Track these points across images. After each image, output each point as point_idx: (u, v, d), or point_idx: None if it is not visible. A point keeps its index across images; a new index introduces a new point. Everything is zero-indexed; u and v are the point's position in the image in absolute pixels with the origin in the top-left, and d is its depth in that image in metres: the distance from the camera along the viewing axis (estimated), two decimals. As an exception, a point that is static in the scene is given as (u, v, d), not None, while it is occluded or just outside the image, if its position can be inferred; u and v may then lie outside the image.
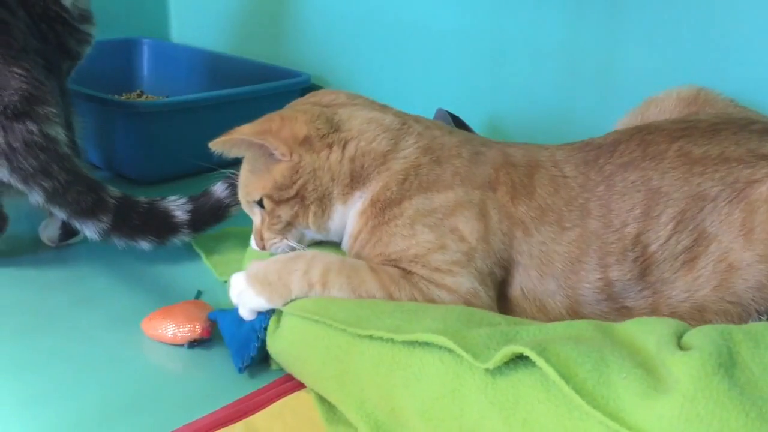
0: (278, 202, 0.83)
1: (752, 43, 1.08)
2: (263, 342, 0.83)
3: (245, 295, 0.81)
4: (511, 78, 1.38)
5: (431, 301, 0.78)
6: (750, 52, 1.09)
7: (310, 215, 0.84)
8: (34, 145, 0.96)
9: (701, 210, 0.76)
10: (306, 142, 0.82)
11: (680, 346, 0.60)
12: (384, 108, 0.89)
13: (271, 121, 0.84)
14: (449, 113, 1.25)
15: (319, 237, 0.87)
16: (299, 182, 0.82)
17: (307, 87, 1.61)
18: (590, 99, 1.28)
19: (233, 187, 1.07)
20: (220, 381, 0.83)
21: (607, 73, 1.25)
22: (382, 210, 0.82)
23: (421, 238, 0.79)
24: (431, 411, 0.66)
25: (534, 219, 0.80)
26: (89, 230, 1.01)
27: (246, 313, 0.82)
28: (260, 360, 0.85)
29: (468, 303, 0.78)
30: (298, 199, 0.83)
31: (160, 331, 0.89)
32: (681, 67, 1.16)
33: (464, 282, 0.78)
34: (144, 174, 1.44)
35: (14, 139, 0.95)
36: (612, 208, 0.79)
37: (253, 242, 0.90)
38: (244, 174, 0.88)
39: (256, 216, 0.88)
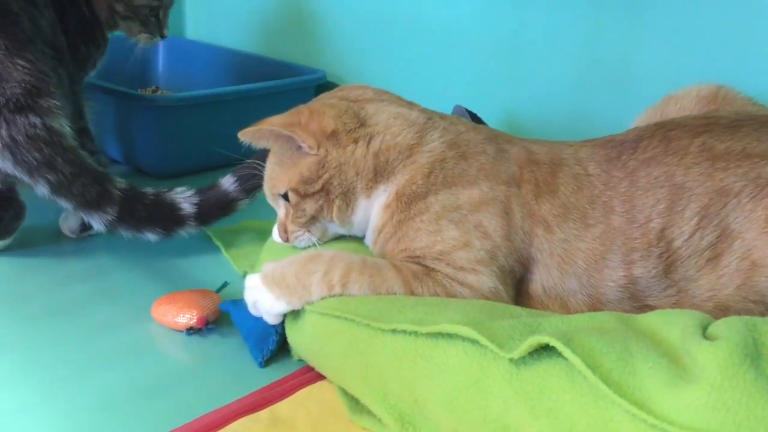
0: (303, 196, 0.84)
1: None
2: (282, 335, 0.84)
3: (264, 301, 0.80)
4: (528, 75, 1.39)
5: (453, 297, 0.79)
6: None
7: (335, 209, 0.84)
8: (37, 138, 0.96)
9: (725, 206, 0.76)
10: (333, 136, 0.83)
11: (706, 337, 0.60)
12: (410, 104, 0.90)
13: (299, 113, 0.84)
14: (467, 110, 1.26)
15: (342, 231, 0.88)
16: (325, 176, 0.83)
17: (322, 84, 1.62)
18: (608, 96, 1.28)
19: (241, 180, 1.08)
20: (242, 370, 0.84)
21: (625, 70, 1.25)
22: (407, 204, 0.82)
23: (447, 235, 0.80)
24: (456, 402, 0.66)
25: (557, 217, 0.81)
26: (96, 222, 1.01)
27: (270, 318, 0.81)
28: (279, 350, 0.86)
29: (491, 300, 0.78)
30: (323, 193, 0.83)
31: (162, 316, 0.92)
32: (700, 64, 1.16)
33: (487, 281, 0.79)
34: (162, 168, 1.45)
35: (17, 132, 0.95)
36: (636, 204, 0.79)
37: (275, 234, 0.91)
38: (270, 167, 0.88)
39: (281, 209, 0.88)
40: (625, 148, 0.83)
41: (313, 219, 0.85)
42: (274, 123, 0.83)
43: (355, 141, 0.83)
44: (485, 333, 0.65)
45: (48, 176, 0.97)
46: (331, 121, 0.83)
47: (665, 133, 0.82)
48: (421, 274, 0.79)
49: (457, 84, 1.49)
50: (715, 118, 0.83)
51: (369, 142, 0.84)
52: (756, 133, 0.79)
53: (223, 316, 0.93)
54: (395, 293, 0.78)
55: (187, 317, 0.90)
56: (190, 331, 0.89)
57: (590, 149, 0.85)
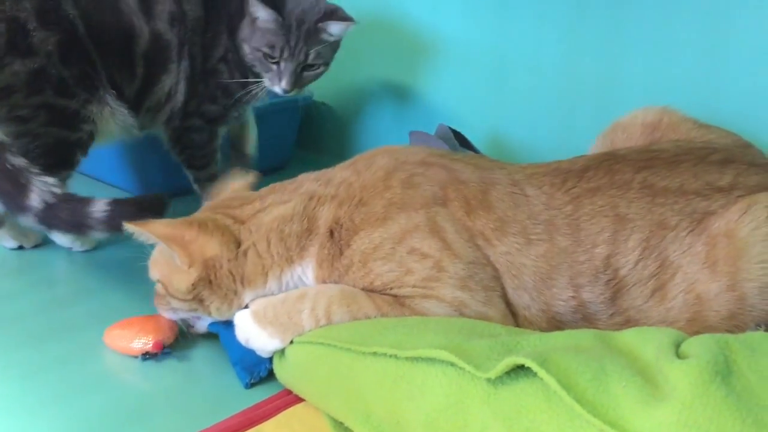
0: (172, 296, 0.86)
1: (751, 58, 1.10)
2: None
3: (257, 339, 0.82)
4: (512, 94, 1.40)
5: (423, 315, 0.80)
6: (749, 66, 1.10)
7: (212, 311, 0.86)
8: None
9: (664, 238, 0.79)
10: (211, 260, 0.84)
11: (678, 355, 0.61)
12: (292, 191, 0.90)
13: (189, 228, 0.85)
14: (451, 129, 1.27)
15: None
16: (194, 292, 0.85)
17: (309, 104, 1.64)
18: (591, 113, 1.30)
19: (116, 212, 0.99)
20: (224, 392, 0.85)
21: (607, 88, 1.27)
22: (331, 264, 0.84)
23: (382, 270, 0.81)
24: (436, 422, 0.67)
25: (495, 230, 0.82)
26: None
27: (264, 354, 0.83)
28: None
29: (458, 311, 0.80)
30: (196, 301, 0.86)
31: (116, 341, 0.92)
32: (679, 81, 1.18)
33: (445, 293, 0.80)
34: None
35: None
36: (581, 227, 0.82)
37: None
38: (158, 246, 0.89)
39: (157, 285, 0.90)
40: (571, 175, 0.86)
41: (178, 311, 0.89)
42: (158, 230, 0.84)
43: (236, 260, 0.85)
44: (462, 355, 0.66)
45: None
46: (216, 247, 0.84)
47: (610, 166, 0.85)
48: (391, 300, 0.81)
49: (442, 103, 1.51)
50: (657, 152, 0.87)
51: (247, 257, 0.85)
52: (694, 168, 0.84)
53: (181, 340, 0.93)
54: (371, 318, 0.80)
55: (143, 341, 0.90)
56: (146, 356, 0.89)
57: (529, 175, 0.87)
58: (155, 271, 0.89)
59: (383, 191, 0.85)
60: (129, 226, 0.84)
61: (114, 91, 1.14)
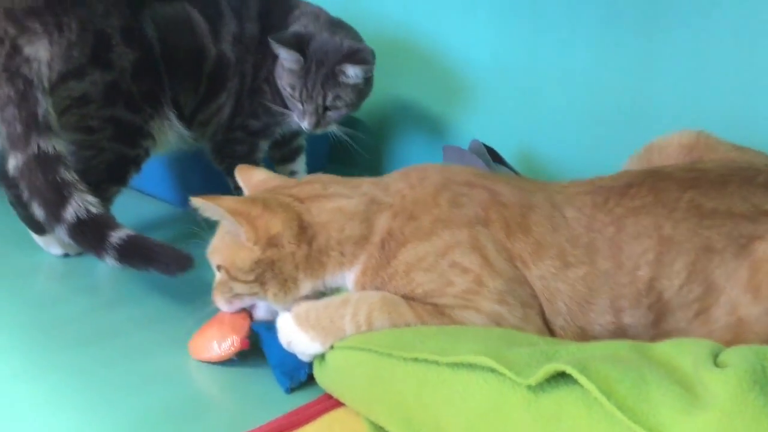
0: (233, 279, 0.88)
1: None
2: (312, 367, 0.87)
3: (299, 343, 0.84)
4: (544, 109, 1.42)
5: (462, 325, 0.81)
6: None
7: (270, 295, 0.87)
8: None
9: (710, 262, 0.78)
10: (275, 238, 0.86)
11: (716, 365, 0.62)
12: (353, 188, 0.92)
13: (253, 204, 0.87)
14: (485, 145, 1.29)
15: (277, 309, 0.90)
16: (257, 271, 0.86)
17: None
18: (621, 130, 1.31)
19: (123, 246, 1.02)
20: (266, 396, 0.87)
21: (638, 103, 1.28)
22: (376, 273, 0.86)
23: (424, 279, 0.83)
24: (476, 428, 0.68)
25: (532, 254, 0.83)
26: None
27: (305, 358, 0.85)
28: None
29: (496, 323, 0.81)
30: (257, 283, 0.87)
31: (204, 354, 0.93)
32: (712, 101, 1.18)
33: (484, 305, 0.81)
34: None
35: None
36: (623, 249, 0.81)
37: None
38: (218, 233, 0.92)
39: (217, 274, 0.92)
40: (613, 193, 0.84)
41: (239, 296, 0.89)
42: (226, 205, 0.86)
43: (298, 243, 0.86)
44: (503, 362, 0.68)
45: None
46: (279, 225, 0.86)
47: (655, 183, 0.84)
48: (430, 308, 0.83)
49: (475, 119, 1.53)
50: (703, 171, 0.86)
51: (311, 243, 0.87)
52: (740, 190, 0.82)
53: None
54: (410, 325, 0.82)
55: (227, 344, 0.90)
56: (238, 356, 0.91)
57: (570, 195, 0.87)
58: (216, 257, 0.90)
59: (432, 208, 0.87)
60: (196, 200, 0.86)
61: (176, 111, 1.19)
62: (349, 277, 0.89)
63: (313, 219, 0.88)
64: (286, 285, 0.87)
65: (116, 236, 1.02)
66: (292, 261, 0.86)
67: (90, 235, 1.03)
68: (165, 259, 1.01)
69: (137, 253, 1.01)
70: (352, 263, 0.88)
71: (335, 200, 0.90)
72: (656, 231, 0.80)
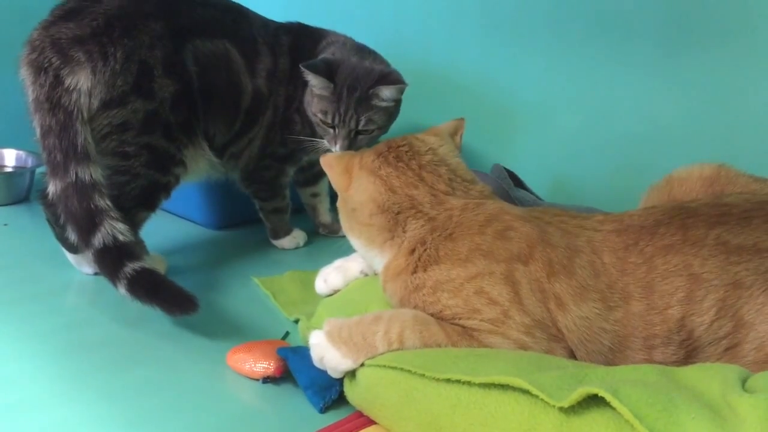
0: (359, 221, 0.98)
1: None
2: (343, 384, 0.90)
3: (331, 359, 0.86)
4: (562, 135, 1.45)
5: (490, 348, 0.83)
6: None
7: (363, 242, 0.97)
8: None
9: (739, 298, 0.80)
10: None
11: (745, 390, 0.65)
12: (417, 181, 0.96)
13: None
14: (506, 169, 1.31)
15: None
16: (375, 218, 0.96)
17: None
18: (637, 155, 1.33)
19: (134, 278, 1.04)
20: (298, 415, 0.89)
21: (652, 134, 1.30)
22: (398, 274, 0.91)
23: (450, 302, 0.86)
24: (508, 448, 0.70)
25: (574, 296, 0.84)
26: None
27: (336, 374, 0.88)
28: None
29: (522, 349, 0.83)
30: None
31: (239, 364, 0.97)
32: (727, 129, 1.20)
33: (511, 333, 0.83)
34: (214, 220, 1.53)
35: None
36: (655, 289, 0.82)
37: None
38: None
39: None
40: (643, 234, 0.86)
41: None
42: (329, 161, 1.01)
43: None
44: (535, 383, 0.70)
45: None
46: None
47: (683, 221, 0.85)
48: (460, 330, 0.85)
49: (494, 143, 1.56)
50: (728, 206, 0.87)
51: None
52: (765, 225, 0.83)
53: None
54: (441, 346, 0.84)
55: (264, 367, 0.95)
56: (267, 380, 0.95)
57: (605, 236, 0.88)
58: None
59: (475, 235, 0.88)
60: (324, 160, 1.01)
61: (208, 141, 1.24)
62: (378, 263, 0.96)
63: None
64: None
65: (131, 267, 1.05)
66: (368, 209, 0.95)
67: (109, 261, 1.06)
68: (170, 299, 1.03)
69: (145, 287, 1.04)
70: (382, 249, 0.95)
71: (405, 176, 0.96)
72: (686, 269, 0.82)
